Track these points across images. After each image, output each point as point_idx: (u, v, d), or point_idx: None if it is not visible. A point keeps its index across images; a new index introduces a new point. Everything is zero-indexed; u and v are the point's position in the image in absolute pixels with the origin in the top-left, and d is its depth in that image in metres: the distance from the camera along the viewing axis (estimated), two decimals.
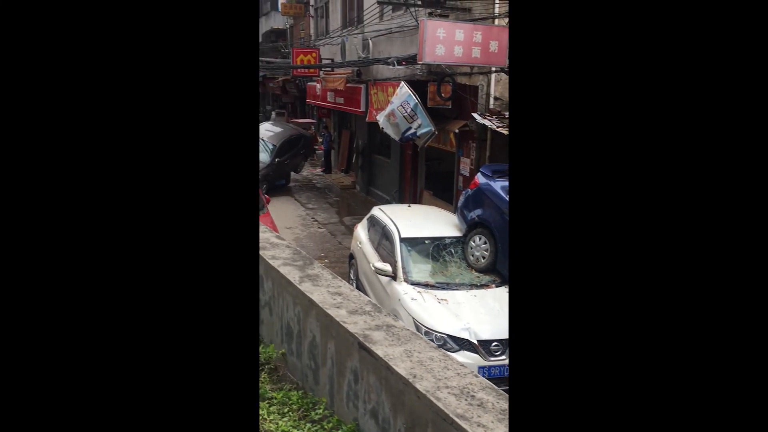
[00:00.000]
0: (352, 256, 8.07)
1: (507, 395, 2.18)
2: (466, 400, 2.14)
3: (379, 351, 2.42)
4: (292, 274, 3.27)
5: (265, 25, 29.51)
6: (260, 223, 4.54)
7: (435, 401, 2.11)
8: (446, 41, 7.23)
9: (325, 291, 3.04)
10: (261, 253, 3.65)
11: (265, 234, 4.11)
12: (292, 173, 16.30)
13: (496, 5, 8.19)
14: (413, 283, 6.07)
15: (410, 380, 2.23)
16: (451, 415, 2.04)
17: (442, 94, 9.36)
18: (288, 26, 26.24)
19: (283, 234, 4.01)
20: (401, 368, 2.30)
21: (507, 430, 1.97)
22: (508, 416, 2.03)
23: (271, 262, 3.49)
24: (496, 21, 8.06)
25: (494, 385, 2.27)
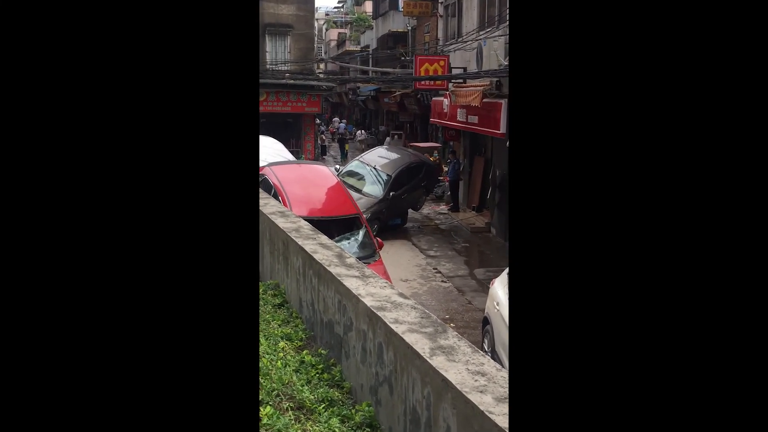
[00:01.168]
0: (486, 321, 7.97)
1: None
2: None
3: None
4: (420, 344, 3.26)
5: (381, 27, 30.74)
6: (373, 273, 4.63)
7: None
8: None
9: (464, 369, 2.99)
10: (380, 314, 3.69)
11: (385, 290, 4.16)
12: (410, 211, 16.55)
13: None
14: None
15: None
16: None
17: None
18: (410, 28, 27.09)
19: (397, 288, 4.04)
20: None
21: None
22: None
23: (393, 327, 3.51)
24: None
25: None
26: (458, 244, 14.55)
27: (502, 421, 2.55)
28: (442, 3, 19.16)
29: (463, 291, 11.27)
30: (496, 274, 8.57)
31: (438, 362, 3.06)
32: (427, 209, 17.81)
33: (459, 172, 17.89)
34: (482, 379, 2.89)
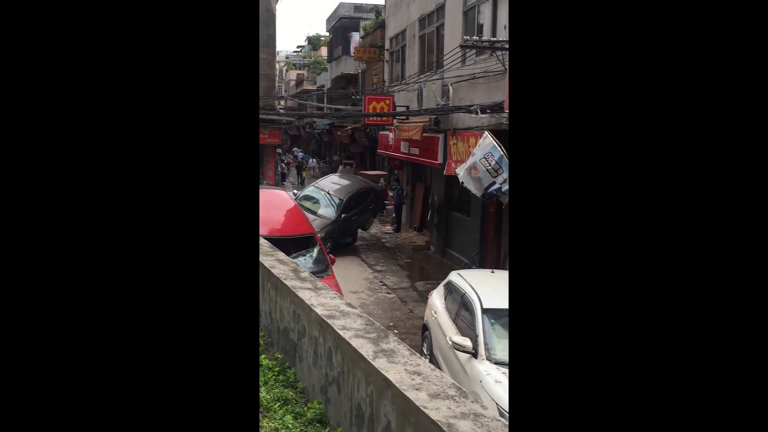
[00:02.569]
0: (425, 327, 7.98)
1: None
2: None
3: None
4: (364, 348, 3.25)
5: (335, 70, 30.82)
6: (325, 285, 4.60)
7: None
8: None
9: (403, 369, 2.99)
10: (330, 322, 3.67)
11: (334, 301, 4.14)
12: (360, 231, 16.55)
13: None
14: (497, 363, 5.88)
15: None
16: None
17: None
18: (360, 71, 27.26)
19: (347, 299, 4.05)
20: None
21: None
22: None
23: (341, 333, 3.49)
24: None
25: None
26: (401, 260, 14.58)
27: (435, 414, 2.56)
28: (387, 50, 19.36)
29: (405, 301, 11.28)
30: (434, 287, 8.60)
31: (380, 364, 3.06)
32: (375, 229, 17.83)
33: (402, 197, 18.03)
34: (418, 378, 2.90)
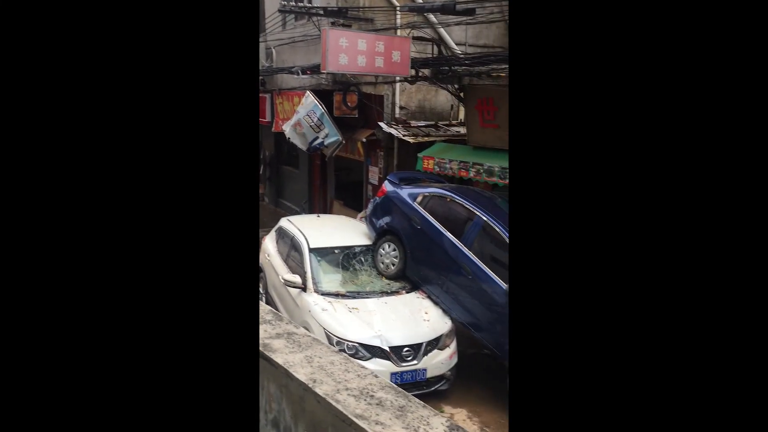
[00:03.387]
0: (260, 269, 7.99)
1: (406, 393, 2.29)
2: (365, 400, 2.22)
3: (279, 359, 2.45)
4: None
5: None
6: None
7: (334, 404, 2.17)
8: (349, 50, 7.37)
9: None
10: None
11: None
12: None
13: (398, 16, 8.47)
14: (324, 294, 6.12)
15: (310, 385, 2.28)
16: (350, 416, 2.11)
17: (348, 104, 9.51)
18: None
19: None
20: (301, 374, 2.35)
21: (404, 425, 2.07)
22: (405, 413, 2.14)
23: None
24: (398, 32, 8.33)
25: (394, 384, 2.37)
26: None
27: None
28: None
29: None
30: (268, 233, 8.60)
31: None
32: None
33: None
34: None
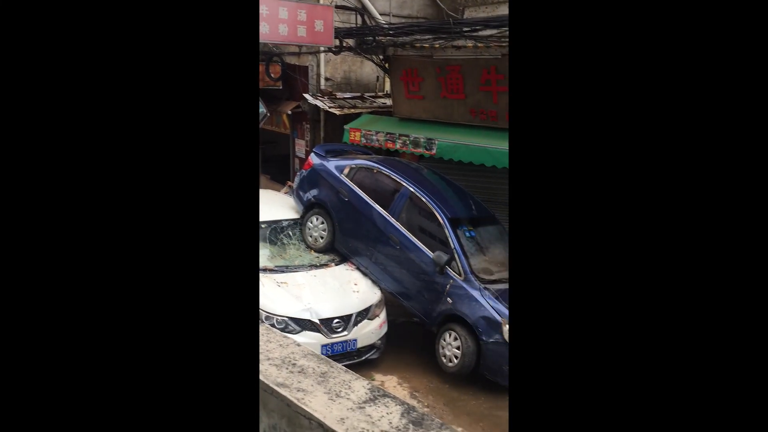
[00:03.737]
0: None
1: (328, 360, 2.28)
2: (287, 368, 2.20)
3: None
4: None
5: None
6: None
7: None
8: (269, 19, 7.15)
9: None
10: None
11: None
12: None
13: None
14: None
15: None
16: (271, 385, 2.09)
17: (272, 75, 9.28)
18: None
19: None
20: None
21: (325, 390, 2.07)
22: (327, 378, 2.14)
23: None
24: (321, 0, 8.15)
25: (316, 352, 2.36)
26: None
27: None
28: None
29: None
30: None
31: None
32: None
33: None
34: None
